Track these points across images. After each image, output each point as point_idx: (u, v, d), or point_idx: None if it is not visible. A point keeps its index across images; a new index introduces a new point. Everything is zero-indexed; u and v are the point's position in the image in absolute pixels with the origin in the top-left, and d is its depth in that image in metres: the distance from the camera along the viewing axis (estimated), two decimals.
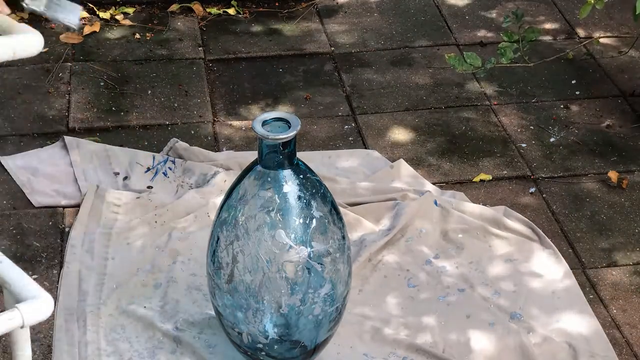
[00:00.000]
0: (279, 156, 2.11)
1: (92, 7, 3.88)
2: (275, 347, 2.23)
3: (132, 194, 2.90)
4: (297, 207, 2.14)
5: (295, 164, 2.15)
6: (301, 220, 2.14)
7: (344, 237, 2.21)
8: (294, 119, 2.11)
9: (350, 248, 2.29)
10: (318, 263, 2.14)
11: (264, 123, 2.11)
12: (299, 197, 2.14)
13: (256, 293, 2.15)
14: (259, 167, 2.15)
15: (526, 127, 3.31)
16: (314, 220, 2.14)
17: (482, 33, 3.85)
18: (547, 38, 3.81)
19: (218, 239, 2.18)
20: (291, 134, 2.09)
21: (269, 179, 2.14)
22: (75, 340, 2.42)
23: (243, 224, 2.14)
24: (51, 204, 2.89)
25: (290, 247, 2.12)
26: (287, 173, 2.14)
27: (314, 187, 2.17)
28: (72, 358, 2.37)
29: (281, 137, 2.08)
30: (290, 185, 2.14)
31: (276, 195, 2.13)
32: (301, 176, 2.16)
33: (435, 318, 2.52)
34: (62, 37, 3.69)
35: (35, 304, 1.68)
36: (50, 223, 2.82)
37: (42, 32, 3.93)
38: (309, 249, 2.13)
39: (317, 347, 2.28)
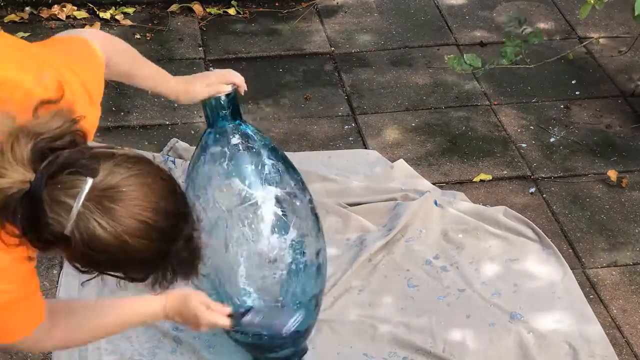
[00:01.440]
0: (223, 113, 2.19)
1: (92, 7, 3.88)
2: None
3: None
4: (247, 156, 2.19)
5: (240, 121, 2.23)
6: (253, 167, 2.18)
7: (303, 185, 2.25)
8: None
9: (312, 201, 2.30)
10: (279, 209, 2.17)
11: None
12: (248, 148, 2.20)
13: (223, 248, 2.16)
14: (207, 130, 2.23)
15: (526, 127, 3.31)
16: (266, 167, 2.19)
17: (482, 33, 3.85)
18: (547, 38, 3.81)
19: None
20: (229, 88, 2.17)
21: (217, 136, 2.20)
22: None
23: (200, 183, 2.18)
24: None
25: (247, 192, 2.15)
26: (232, 126, 2.20)
27: (262, 140, 2.24)
28: (72, 358, 2.37)
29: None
30: (237, 138, 2.20)
31: (225, 148, 2.19)
32: (248, 130, 2.22)
33: (435, 318, 2.52)
34: None
35: None
36: None
37: (42, 32, 3.95)
38: (263, 192, 2.17)
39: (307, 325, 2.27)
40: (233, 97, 2.18)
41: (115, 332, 1.94)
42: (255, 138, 2.23)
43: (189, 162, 2.32)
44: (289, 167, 2.25)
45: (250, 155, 2.20)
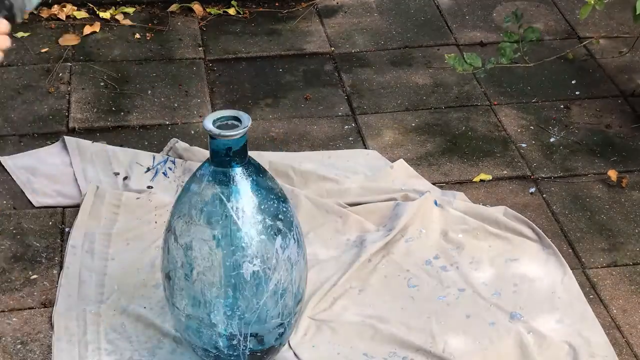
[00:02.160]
0: (229, 154, 2.11)
1: (92, 7, 3.88)
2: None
3: (132, 194, 2.90)
4: (250, 207, 2.12)
5: (247, 162, 2.15)
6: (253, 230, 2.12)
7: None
8: (245, 117, 2.12)
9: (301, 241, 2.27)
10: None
11: (216, 120, 2.12)
12: (252, 197, 2.13)
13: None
14: (210, 166, 2.15)
15: (526, 127, 3.31)
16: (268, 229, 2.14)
17: (482, 33, 3.85)
18: (547, 38, 3.81)
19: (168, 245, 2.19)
20: (240, 131, 2.09)
21: (220, 178, 2.13)
22: (75, 340, 2.42)
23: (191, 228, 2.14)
24: (51, 204, 2.89)
25: (244, 254, 2.12)
26: (239, 171, 2.13)
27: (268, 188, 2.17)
28: (72, 358, 2.37)
29: (230, 134, 2.09)
30: (241, 183, 2.13)
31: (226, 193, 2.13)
32: (253, 176, 2.15)
33: (435, 318, 2.52)
34: (60, 40, 3.69)
35: None
36: (50, 223, 2.82)
37: (42, 32, 3.96)
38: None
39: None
40: (243, 138, 2.11)
41: None
42: (260, 183, 2.17)
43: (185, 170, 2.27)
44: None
45: (253, 207, 2.15)
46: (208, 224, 2.12)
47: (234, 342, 2.20)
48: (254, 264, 2.13)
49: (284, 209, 2.19)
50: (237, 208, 2.12)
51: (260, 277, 2.14)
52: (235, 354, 2.22)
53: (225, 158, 2.12)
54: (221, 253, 2.12)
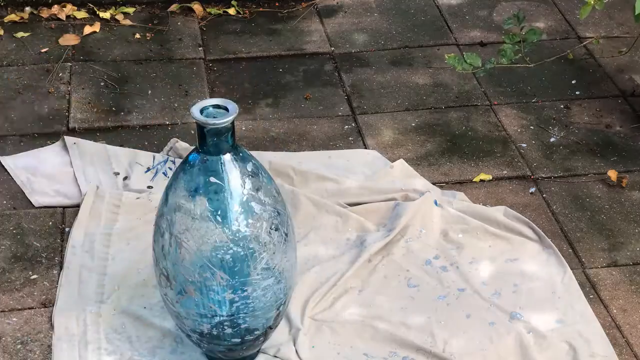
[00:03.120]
0: (219, 141, 2.13)
1: (92, 7, 3.88)
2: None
3: (132, 194, 2.90)
4: (240, 190, 2.14)
5: (235, 149, 2.16)
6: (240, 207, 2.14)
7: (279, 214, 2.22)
8: (231, 105, 2.14)
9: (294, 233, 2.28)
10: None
11: (203, 109, 2.13)
12: (241, 179, 2.15)
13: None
14: (198, 154, 2.16)
15: (526, 127, 3.31)
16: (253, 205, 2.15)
17: (482, 33, 3.85)
18: (547, 38, 3.81)
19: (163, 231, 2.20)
20: (228, 118, 2.10)
21: (211, 165, 2.14)
22: (76, 339, 2.42)
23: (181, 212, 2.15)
24: (51, 204, 2.89)
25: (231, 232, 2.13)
26: (227, 158, 2.14)
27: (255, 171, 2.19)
28: (72, 358, 2.37)
29: (219, 122, 2.10)
30: (231, 170, 2.14)
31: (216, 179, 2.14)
32: (242, 161, 2.16)
33: (435, 318, 2.52)
34: (60, 40, 3.69)
35: None
36: (50, 223, 2.82)
37: (42, 32, 3.96)
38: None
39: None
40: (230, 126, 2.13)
41: None
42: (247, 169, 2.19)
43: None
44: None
45: (240, 192, 2.16)
46: (197, 210, 2.12)
47: (224, 325, 2.20)
48: (242, 248, 2.13)
49: (274, 195, 2.20)
50: (225, 194, 2.12)
51: (250, 261, 2.15)
52: (234, 334, 2.23)
53: (213, 146, 2.14)
54: (218, 235, 2.12)
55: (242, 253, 2.14)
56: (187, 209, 2.14)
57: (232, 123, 2.13)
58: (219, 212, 2.12)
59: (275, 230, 2.18)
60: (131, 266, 2.65)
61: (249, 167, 2.17)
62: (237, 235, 2.13)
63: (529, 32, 3.27)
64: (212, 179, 2.13)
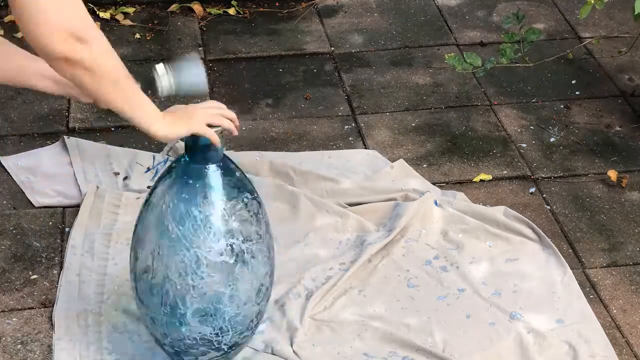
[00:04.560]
0: (206, 151, 2.13)
1: (92, 7, 3.88)
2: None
3: (132, 194, 2.90)
4: (221, 203, 2.13)
5: (222, 160, 2.16)
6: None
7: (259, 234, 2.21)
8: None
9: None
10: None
11: None
12: (224, 194, 2.14)
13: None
14: (185, 161, 2.16)
15: (526, 127, 3.31)
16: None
17: (482, 33, 3.85)
18: (547, 38, 3.81)
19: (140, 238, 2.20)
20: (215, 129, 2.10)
21: (194, 174, 2.14)
22: (76, 339, 2.42)
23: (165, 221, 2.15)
24: (51, 204, 2.89)
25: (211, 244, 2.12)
26: (213, 168, 2.14)
27: (239, 186, 2.17)
28: (72, 358, 2.37)
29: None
30: (215, 181, 2.14)
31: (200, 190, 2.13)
32: (228, 176, 2.16)
33: (435, 318, 2.52)
34: None
35: None
36: (50, 223, 2.82)
37: None
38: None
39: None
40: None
41: (116, 98, 2.02)
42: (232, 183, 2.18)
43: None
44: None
45: (224, 204, 2.16)
46: (179, 221, 2.12)
47: (206, 333, 2.20)
48: (223, 256, 2.12)
49: (254, 206, 2.19)
50: (208, 204, 2.12)
51: (229, 269, 2.14)
52: (207, 345, 2.23)
53: (200, 155, 2.13)
54: (190, 245, 2.12)
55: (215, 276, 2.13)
56: (161, 215, 2.14)
57: (221, 133, 2.13)
58: (196, 226, 2.11)
59: (252, 242, 2.17)
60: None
61: (232, 181, 2.16)
62: (216, 245, 2.12)
63: (528, 32, 3.28)
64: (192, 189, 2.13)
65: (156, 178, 2.97)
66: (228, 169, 2.18)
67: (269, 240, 2.23)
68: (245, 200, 2.17)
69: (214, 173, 2.15)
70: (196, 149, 2.14)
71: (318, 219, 2.82)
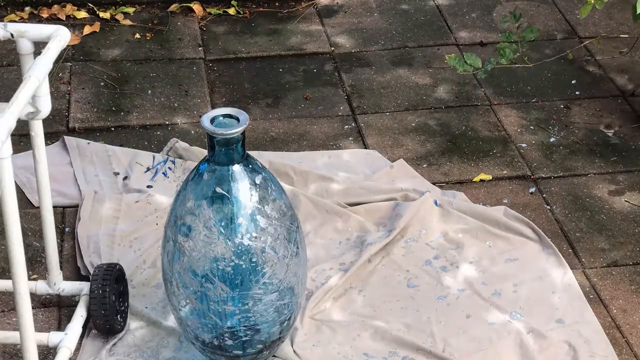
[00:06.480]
0: (228, 151, 2.12)
1: (92, 7, 3.88)
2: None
3: (130, 197, 2.89)
4: (246, 202, 2.13)
5: (246, 160, 2.15)
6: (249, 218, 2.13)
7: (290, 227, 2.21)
8: (243, 115, 2.13)
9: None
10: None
11: (214, 118, 2.13)
12: (249, 192, 2.14)
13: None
14: (208, 163, 2.15)
15: (526, 127, 3.31)
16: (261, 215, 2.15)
17: (482, 33, 3.85)
18: (547, 38, 3.81)
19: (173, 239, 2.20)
20: (238, 129, 2.09)
21: (219, 175, 2.14)
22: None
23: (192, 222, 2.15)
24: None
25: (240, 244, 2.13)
26: (237, 169, 2.14)
27: (265, 183, 2.17)
28: (74, 357, 2.37)
29: (227, 132, 2.09)
30: (239, 181, 2.14)
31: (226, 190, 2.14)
32: (251, 173, 2.15)
33: (435, 318, 2.52)
34: None
35: None
36: None
37: None
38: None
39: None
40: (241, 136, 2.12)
41: None
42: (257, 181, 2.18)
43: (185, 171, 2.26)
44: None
45: (249, 203, 2.16)
46: (202, 220, 2.12)
47: (224, 336, 2.20)
48: (252, 257, 2.13)
49: (283, 205, 2.19)
50: (231, 205, 2.12)
51: (251, 275, 2.14)
52: (235, 346, 2.23)
53: (222, 156, 2.13)
54: (221, 246, 2.12)
55: (243, 266, 2.14)
56: (193, 218, 2.14)
57: (243, 134, 2.12)
58: (223, 223, 2.12)
59: (282, 246, 2.17)
60: (133, 267, 2.65)
61: (258, 179, 2.16)
62: (240, 247, 2.13)
63: (526, 31, 3.27)
64: (219, 190, 2.13)
65: (156, 178, 2.99)
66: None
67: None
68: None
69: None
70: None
71: (318, 219, 2.83)
